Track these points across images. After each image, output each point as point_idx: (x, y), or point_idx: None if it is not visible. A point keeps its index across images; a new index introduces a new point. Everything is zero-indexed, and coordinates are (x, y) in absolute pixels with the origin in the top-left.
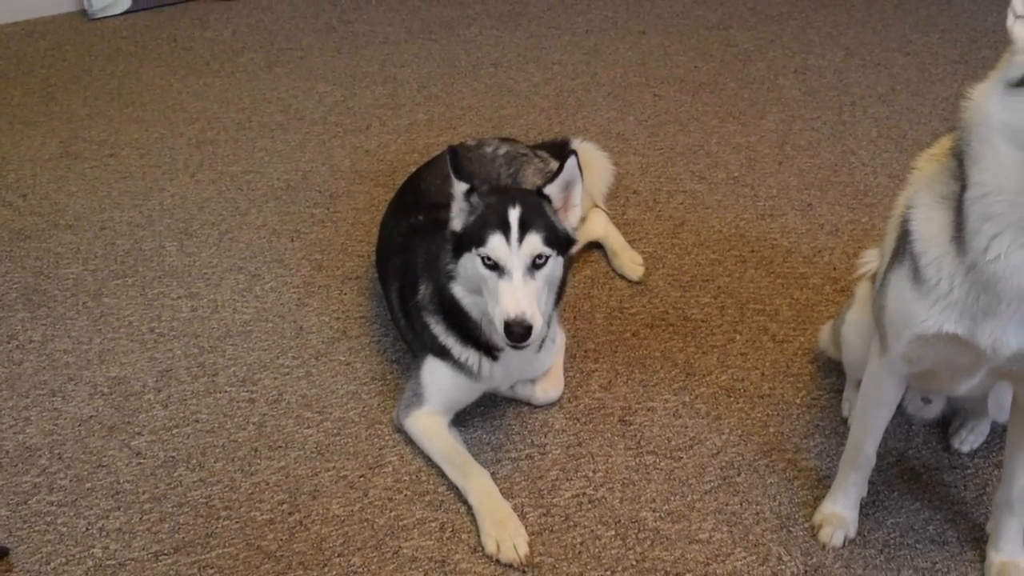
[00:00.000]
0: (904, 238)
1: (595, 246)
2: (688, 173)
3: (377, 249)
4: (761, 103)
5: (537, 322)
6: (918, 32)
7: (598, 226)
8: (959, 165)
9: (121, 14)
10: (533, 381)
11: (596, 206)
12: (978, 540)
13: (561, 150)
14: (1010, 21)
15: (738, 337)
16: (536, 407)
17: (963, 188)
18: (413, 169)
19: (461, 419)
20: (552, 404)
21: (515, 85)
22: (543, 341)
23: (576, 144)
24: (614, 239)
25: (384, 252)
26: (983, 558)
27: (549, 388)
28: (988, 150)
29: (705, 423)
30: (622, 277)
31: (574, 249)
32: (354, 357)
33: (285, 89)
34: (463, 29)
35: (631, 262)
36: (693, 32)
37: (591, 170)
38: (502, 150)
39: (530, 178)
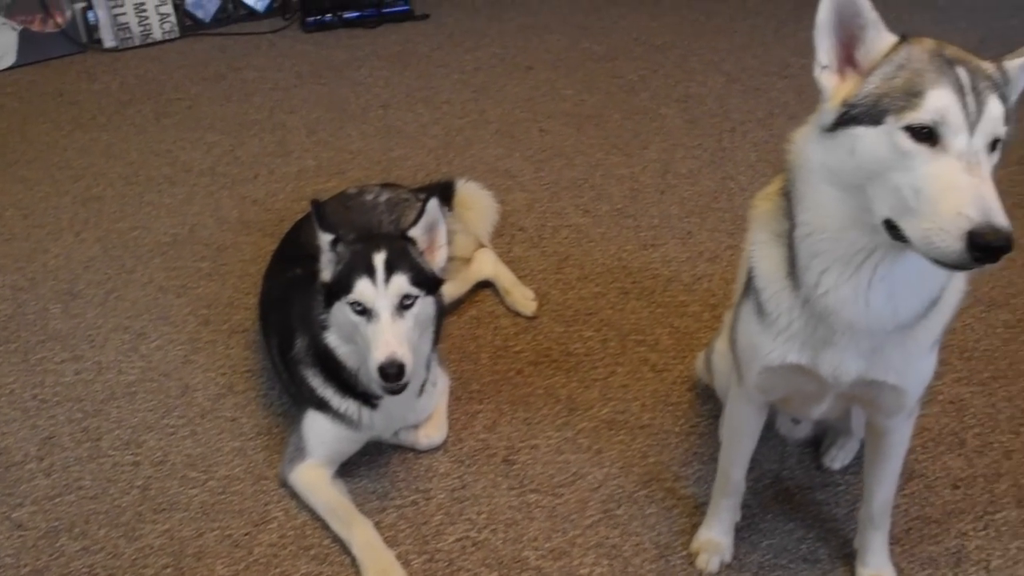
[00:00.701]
0: (749, 274)
1: (482, 286)
2: (573, 207)
3: (259, 302)
4: (645, 133)
5: (409, 360)
6: (796, 55)
7: (487, 265)
8: (789, 204)
9: (5, 69)
10: (417, 426)
11: (483, 245)
12: (848, 556)
13: (446, 191)
14: (816, 71)
15: (619, 369)
16: (421, 452)
17: (793, 226)
18: (300, 218)
19: (346, 468)
20: (437, 448)
21: (404, 126)
22: (423, 385)
23: (460, 184)
24: (504, 277)
25: (265, 305)
26: (853, 574)
27: (432, 433)
28: (810, 191)
29: (587, 457)
30: (516, 314)
31: (462, 290)
32: (240, 412)
33: (173, 140)
34: (353, 71)
35: (523, 298)
36: (580, 65)
37: (475, 210)
38: (383, 196)
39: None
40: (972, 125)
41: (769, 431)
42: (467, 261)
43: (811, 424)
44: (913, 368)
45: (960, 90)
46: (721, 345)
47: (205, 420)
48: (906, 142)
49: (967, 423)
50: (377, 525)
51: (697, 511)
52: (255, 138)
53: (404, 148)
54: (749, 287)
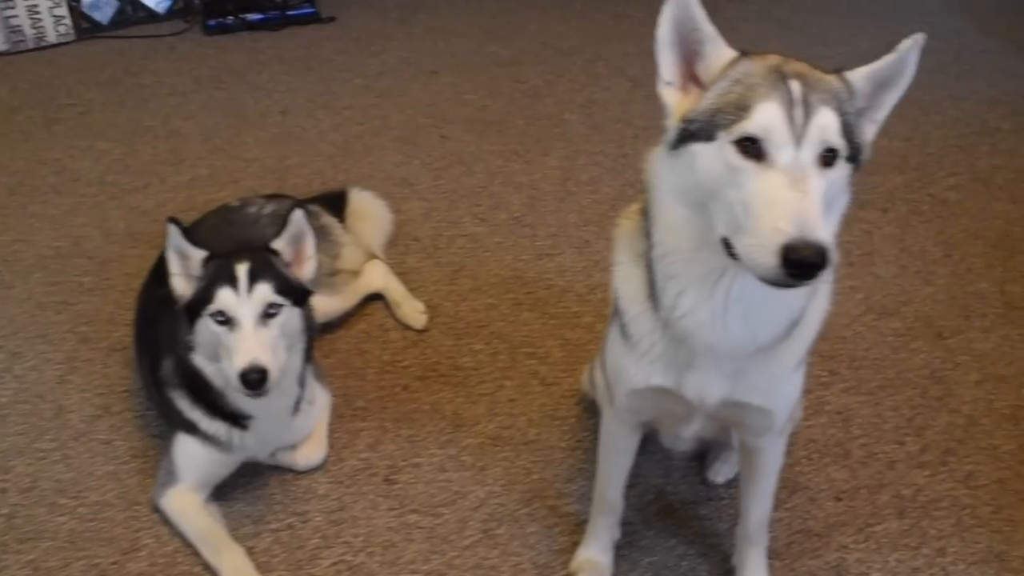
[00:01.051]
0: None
1: (373, 299)
2: (470, 216)
3: (133, 321)
4: (547, 140)
5: (272, 367)
6: None
7: (377, 277)
8: (648, 224)
9: None
10: (295, 447)
11: (374, 257)
12: (729, 572)
13: (338, 202)
14: (660, 87)
15: (508, 383)
16: (300, 473)
17: (650, 247)
18: None
19: (221, 491)
20: (316, 469)
21: (303, 133)
22: (299, 404)
23: (354, 194)
24: (395, 290)
25: (137, 324)
26: None
27: (311, 453)
28: (662, 210)
29: (470, 475)
30: (406, 327)
31: (351, 303)
32: (115, 435)
33: (62, 149)
34: (254, 76)
35: (413, 311)
36: (485, 69)
37: (368, 220)
38: (268, 209)
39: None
40: (799, 138)
41: (654, 444)
42: (356, 274)
43: (695, 439)
44: (778, 389)
45: (789, 103)
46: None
47: (78, 443)
48: (735, 157)
49: (853, 434)
50: (251, 550)
51: (578, 529)
52: (148, 146)
53: (301, 155)
54: (615, 308)
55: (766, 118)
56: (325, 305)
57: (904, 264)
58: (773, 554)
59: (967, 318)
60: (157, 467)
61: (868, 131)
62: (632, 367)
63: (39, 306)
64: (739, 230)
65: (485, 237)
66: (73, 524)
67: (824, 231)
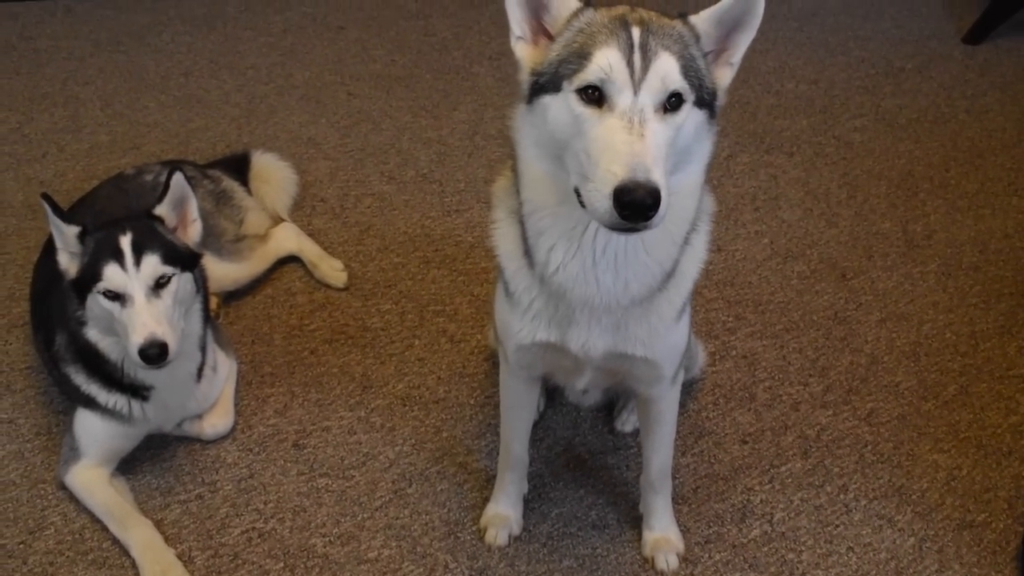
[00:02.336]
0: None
1: (280, 263)
2: (378, 174)
3: (29, 295)
4: (455, 94)
5: (171, 339)
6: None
7: (289, 240)
8: (517, 181)
9: None
10: (201, 416)
11: (281, 220)
12: (637, 520)
13: (241, 165)
14: (512, 42)
15: (417, 342)
16: (207, 442)
17: (520, 203)
18: (74, 202)
19: (128, 464)
20: (224, 437)
21: (205, 95)
22: (201, 370)
23: (256, 157)
24: (310, 251)
25: (32, 299)
26: (641, 537)
27: (217, 421)
28: (527, 166)
29: (379, 436)
30: (327, 287)
31: (261, 268)
32: (18, 413)
33: None
34: (154, 37)
35: (332, 270)
36: (392, 24)
37: (272, 183)
38: (164, 176)
39: (200, 203)
40: (637, 83)
41: (562, 397)
42: (264, 238)
43: (599, 391)
44: (661, 340)
45: (629, 49)
46: None
47: None
48: (577, 105)
49: (758, 377)
50: (160, 522)
51: (488, 485)
52: (45, 113)
53: (204, 118)
54: (498, 265)
55: (605, 64)
56: (234, 272)
57: (809, 207)
58: (680, 499)
59: (870, 258)
60: (62, 444)
61: (724, 75)
62: (517, 324)
63: None
64: (583, 178)
65: (393, 195)
66: None
67: (658, 172)
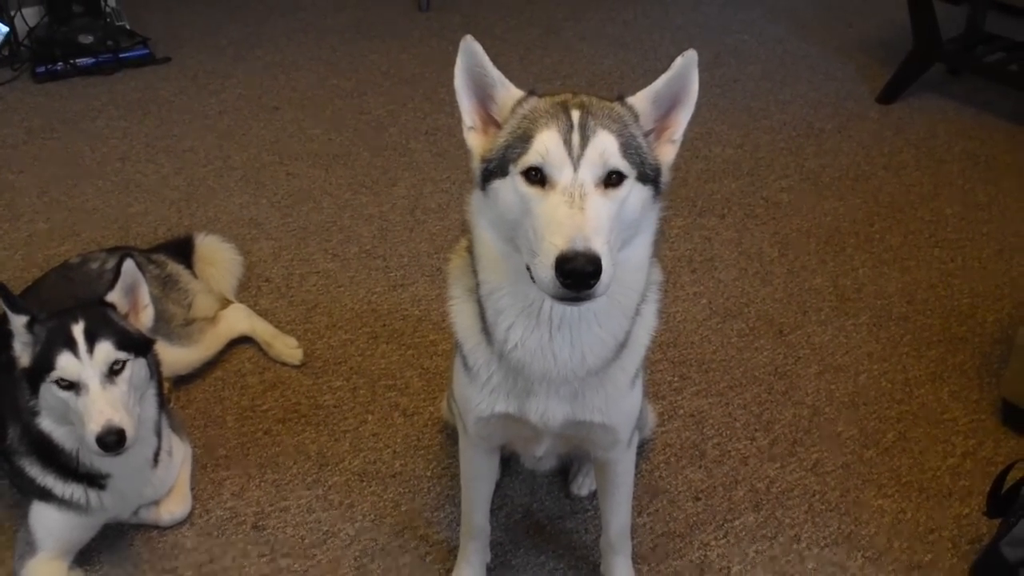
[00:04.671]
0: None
1: (233, 344)
2: (321, 252)
3: None
4: (394, 170)
5: (128, 425)
6: (542, 81)
7: (241, 322)
8: (474, 261)
9: None
10: (157, 502)
11: (229, 302)
12: None
13: (184, 247)
14: (465, 132)
15: (370, 417)
16: (165, 528)
17: (478, 284)
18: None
19: (85, 556)
20: (181, 523)
21: (143, 179)
22: (157, 455)
23: (200, 240)
24: (263, 330)
25: None
26: None
27: (174, 507)
28: (482, 249)
29: (339, 513)
30: (281, 364)
31: (213, 351)
32: None
33: None
34: (88, 123)
35: (287, 348)
36: (327, 103)
37: (217, 265)
38: (110, 263)
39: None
40: (576, 160)
41: (517, 464)
42: (213, 321)
43: (554, 456)
44: (616, 406)
45: (568, 129)
46: None
47: None
48: (523, 186)
49: (706, 434)
50: None
51: (451, 555)
52: None
53: (144, 203)
54: (456, 341)
55: (544, 145)
56: (185, 356)
57: (743, 267)
58: (639, 558)
59: (805, 313)
60: (15, 539)
61: (666, 152)
62: (476, 396)
63: None
64: (532, 253)
65: (337, 272)
66: None
67: (599, 241)
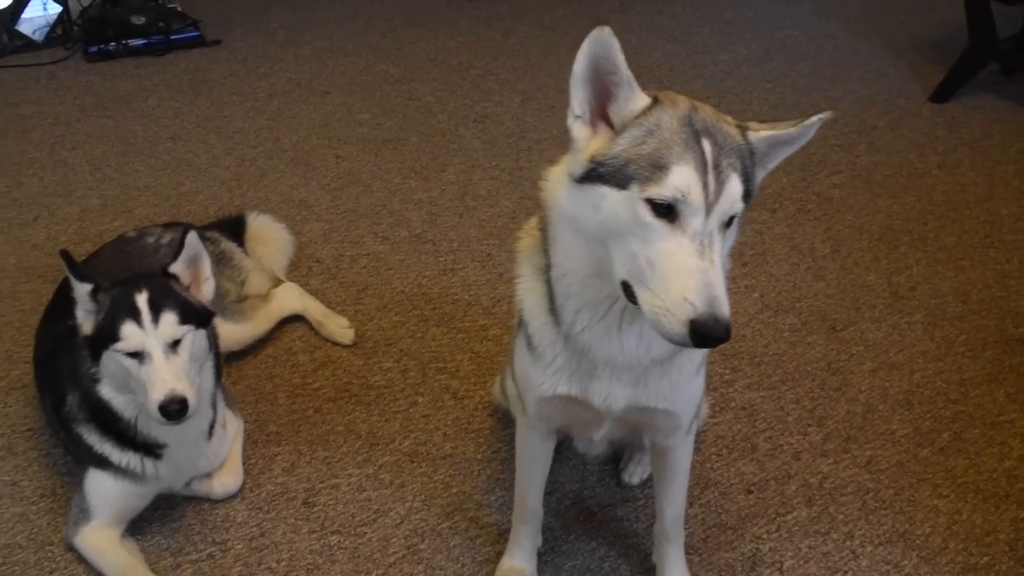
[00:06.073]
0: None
1: (283, 322)
2: (371, 235)
3: (33, 358)
4: (443, 156)
5: (190, 395)
6: None
7: (293, 300)
8: (545, 241)
9: None
10: (210, 475)
11: (280, 280)
12: (649, 571)
13: (236, 227)
14: (569, 119)
15: (420, 399)
16: (216, 501)
17: (549, 265)
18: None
19: (137, 525)
20: (233, 496)
21: (195, 159)
22: (212, 427)
23: (251, 219)
24: (315, 309)
25: (37, 361)
26: None
27: (227, 480)
28: (560, 235)
29: (389, 493)
30: (332, 344)
31: (265, 328)
32: (21, 475)
33: None
34: (140, 102)
35: (338, 327)
36: (376, 88)
37: (268, 245)
38: (166, 238)
39: None
40: (710, 207)
41: (568, 450)
42: (265, 298)
43: (606, 443)
44: (680, 393)
45: (703, 168)
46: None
47: None
48: (646, 214)
49: (758, 427)
50: None
51: (500, 539)
52: (34, 177)
53: (195, 182)
54: (520, 319)
55: (683, 184)
56: (237, 332)
57: (795, 262)
58: (690, 549)
59: (858, 310)
60: (68, 506)
61: (759, 176)
62: (539, 376)
63: None
64: (641, 282)
65: (387, 255)
66: None
67: (727, 302)
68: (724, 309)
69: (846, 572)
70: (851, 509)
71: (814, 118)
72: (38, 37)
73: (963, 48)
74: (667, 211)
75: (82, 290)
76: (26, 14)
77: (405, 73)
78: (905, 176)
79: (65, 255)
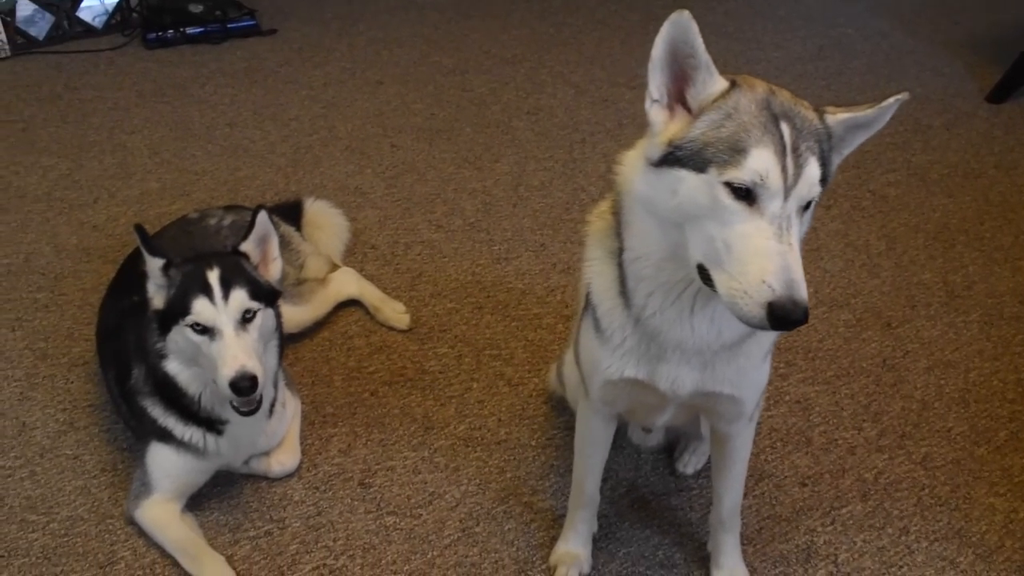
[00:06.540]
0: (586, 289)
1: (339, 307)
2: (426, 223)
3: (96, 334)
4: (496, 146)
5: (260, 372)
6: (643, 66)
7: (349, 285)
8: (619, 224)
9: None
10: (268, 453)
11: (336, 265)
12: (704, 559)
13: (294, 212)
14: (647, 104)
15: (475, 385)
16: (274, 480)
17: (621, 248)
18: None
19: (196, 501)
20: (290, 475)
21: (251, 145)
22: (273, 406)
23: (309, 204)
24: (371, 294)
25: (101, 337)
26: None
27: (285, 459)
28: (635, 218)
29: (444, 476)
30: (389, 328)
31: (322, 312)
32: (83, 449)
33: (5, 165)
34: (197, 89)
35: (394, 312)
36: (429, 79)
37: (326, 230)
38: (227, 220)
39: None
40: (788, 190)
41: (623, 439)
42: (323, 282)
43: (662, 432)
44: (747, 379)
45: (782, 151)
46: (570, 356)
47: (45, 459)
48: (725, 197)
49: (813, 421)
50: (230, 558)
51: (555, 524)
52: (95, 160)
53: (251, 167)
54: (588, 302)
55: (762, 168)
56: (296, 315)
57: (850, 258)
58: (744, 540)
59: (913, 307)
60: (128, 480)
61: (835, 162)
62: (606, 359)
63: None
64: (719, 265)
65: (442, 243)
66: (46, 540)
67: (805, 286)
68: (802, 292)
69: (901, 567)
70: (906, 505)
71: (891, 100)
72: (98, 24)
73: (1021, 49)
74: (745, 194)
75: (154, 264)
76: (86, 1)
77: (458, 64)
78: (961, 175)
79: (139, 229)
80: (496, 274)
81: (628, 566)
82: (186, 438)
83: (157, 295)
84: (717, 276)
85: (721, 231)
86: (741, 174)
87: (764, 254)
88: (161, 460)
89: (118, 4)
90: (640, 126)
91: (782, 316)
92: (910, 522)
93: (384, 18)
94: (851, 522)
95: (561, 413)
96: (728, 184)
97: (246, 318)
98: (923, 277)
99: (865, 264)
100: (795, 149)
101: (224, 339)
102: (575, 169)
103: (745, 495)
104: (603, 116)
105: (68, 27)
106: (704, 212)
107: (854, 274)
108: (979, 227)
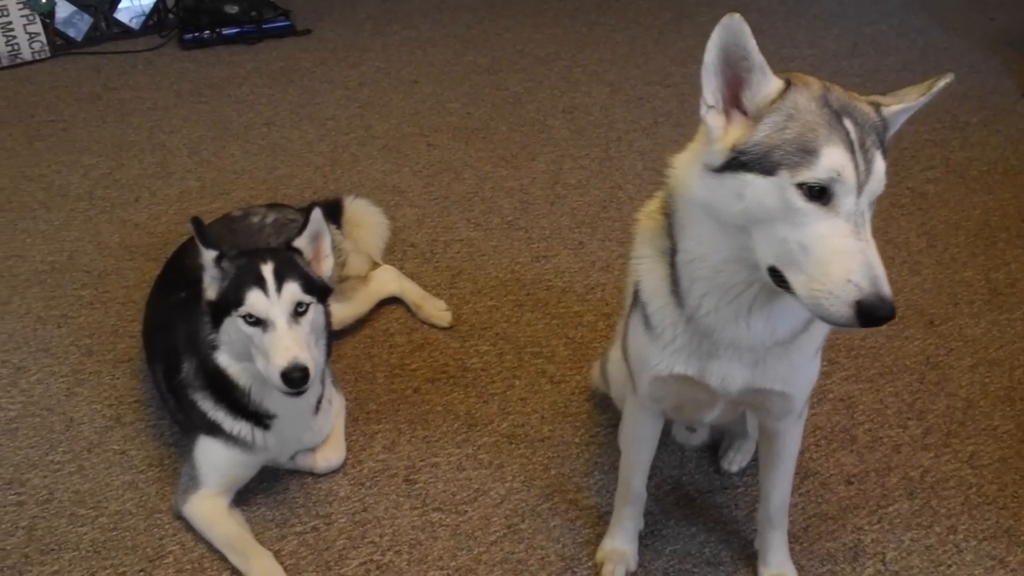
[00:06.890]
0: (636, 286)
1: (380, 304)
2: (464, 221)
3: (142, 329)
4: (532, 145)
5: (311, 364)
6: (677, 65)
7: (390, 283)
8: (670, 224)
9: None
10: (314, 449)
11: (376, 263)
12: (750, 557)
13: (334, 210)
14: (703, 111)
15: (517, 383)
16: (320, 476)
17: (674, 249)
18: (184, 241)
19: (243, 496)
20: (335, 471)
21: (289, 144)
22: (319, 402)
23: (348, 202)
24: (412, 292)
25: (148, 331)
26: (755, 574)
27: (331, 455)
28: (692, 222)
29: (488, 473)
30: (429, 326)
31: (364, 309)
32: (129, 444)
33: (47, 164)
34: (234, 89)
35: (436, 310)
36: (464, 78)
37: (365, 228)
38: (270, 218)
39: None
40: (861, 186)
41: (668, 438)
42: (365, 280)
43: (707, 431)
44: (798, 375)
45: (851, 148)
46: (615, 354)
47: (92, 454)
48: (797, 199)
49: (857, 419)
50: (277, 553)
51: (600, 521)
52: (135, 160)
53: (290, 166)
54: (637, 299)
55: (837, 166)
56: (338, 312)
57: (890, 255)
58: (791, 538)
59: (956, 305)
60: (175, 475)
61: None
62: (656, 356)
63: (39, 320)
64: (795, 267)
65: (481, 241)
66: (95, 534)
67: (888, 283)
68: (887, 287)
69: (950, 566)
70: (954, 503)
71: (941, 82)
72: (135, 25)
73: None
74: (819, 194)
75: (208, 256)
76: (123, 3)
77: (493, 64)
78: (1001, 172)
79: (196, 221)
80: (535, 272)
81: (675, 563)
82: (234, 432)
83: (211, 287)
84: (794, 278)
85: (794, 233)
86: (816, 174)
87: (845, 253)
88: (209, 454)
89: (155, 5)
90: (675, 124)
91: (870, 313)
92: (958, 520)
93: (417, 18)
94: (898, 520)
95: (604, 410)
96: (802, 185)
97: (298, 311)
98: (965, 275)
99: (906, 262)
100: (862, 144)
101: (276, 331)
102: (611, 167)
103: (791, 492)
104: (638, 114)
105: (106, 28)
106: (774, 215)
107: (895, 272)
108: (1020, 224)
